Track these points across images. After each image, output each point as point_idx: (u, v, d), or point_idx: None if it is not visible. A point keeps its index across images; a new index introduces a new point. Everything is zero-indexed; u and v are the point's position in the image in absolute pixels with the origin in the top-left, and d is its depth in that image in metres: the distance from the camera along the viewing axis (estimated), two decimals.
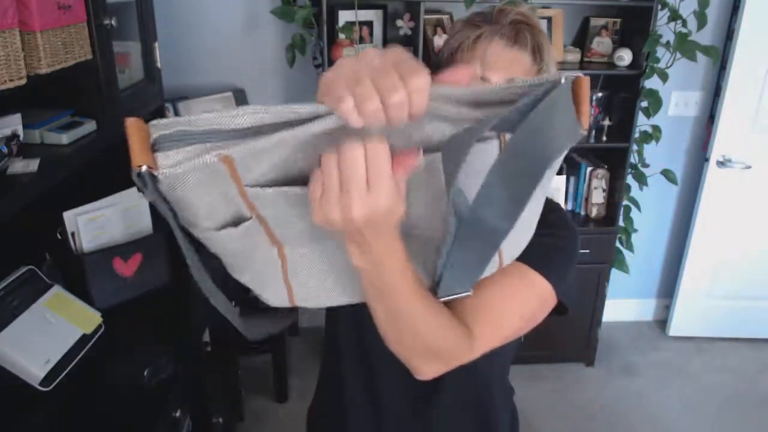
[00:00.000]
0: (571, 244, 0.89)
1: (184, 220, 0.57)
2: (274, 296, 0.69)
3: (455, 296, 0.66)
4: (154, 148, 0.50)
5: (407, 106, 0.48)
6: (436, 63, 0.92)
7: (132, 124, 0.49)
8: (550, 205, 0.86)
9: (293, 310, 0.71)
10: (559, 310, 0.87)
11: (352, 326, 0.98)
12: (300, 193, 0.55)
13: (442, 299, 0.67)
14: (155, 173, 0.50)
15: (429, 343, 0.70)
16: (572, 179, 2.68)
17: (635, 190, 2.74)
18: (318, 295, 0.69)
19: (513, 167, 0.52)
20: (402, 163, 0.51)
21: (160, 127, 0.50)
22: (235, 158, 0.50)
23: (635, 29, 2.46)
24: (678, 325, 3.02)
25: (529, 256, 0.78)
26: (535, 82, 0.50)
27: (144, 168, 0.49)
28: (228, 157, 0.50)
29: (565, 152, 0.56)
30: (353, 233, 0.55)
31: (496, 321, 0.79)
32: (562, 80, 0.50)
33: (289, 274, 0.67)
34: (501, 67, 0.85)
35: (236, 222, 0.58)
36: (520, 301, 0.81)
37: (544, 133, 0.49)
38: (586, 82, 0.50)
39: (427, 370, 0.74)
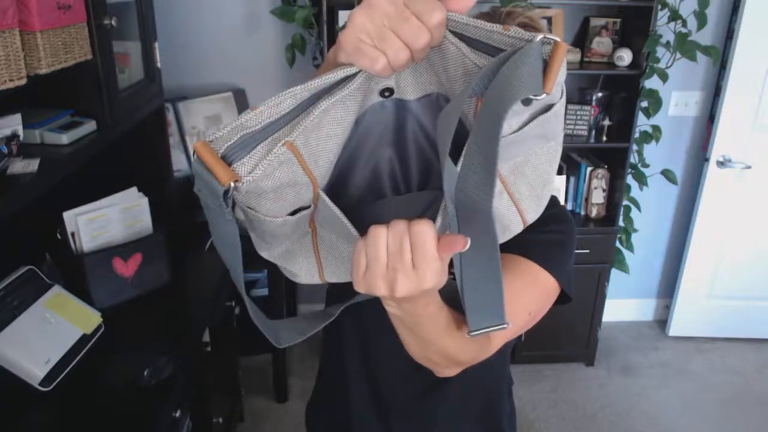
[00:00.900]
0: (570, 237, 0.91)
1: (249, 215, 0.58)
2: (304, 271, 0.67)
3: (488, 330, 0.61)
4: (226, 161, 0.50)
5: (431, 42, 0.49)
6: None
7: (201, 147, 0.50)
8: (549, 201, 0.86)
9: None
10: (562, 299, 0.89)
11: (354, 316, 0.98)
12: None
13: (474, 334, 0.61)
14: (240, 185, 0.50)
15: (454, 357, 0.70)
16: (572, 179, 2.68)
17: (635, 190, 2.74)
18: (348, 268, 0.66)
19: (482, 126, 0.50)
20: (447, 245, 0.51)
21: (223, 139, 0.50)
22: (297, 143, 0.51)
23: (635, 29, 2.46)
24: (678, 325, 3.02)
25: (532, 253, 0.82)
26: (525, 36, 0.50)
27: (232, 184, 0.50)
28: (291, 144, 0.51)
29: (518, 102, 0.51)
30: (393, 301, 0.57)
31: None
32: (536, 39, 0.49)
33: (320, 245, 0.65)
34: None
35: (296, 212, 0.59)
36: (527, 298, 0.82)
37: (508, 87, 0.48)
38: (562, 49, 0.49)
39: (448, 373, 0.75)
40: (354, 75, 0.52)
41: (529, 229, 0.72)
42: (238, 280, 0.58)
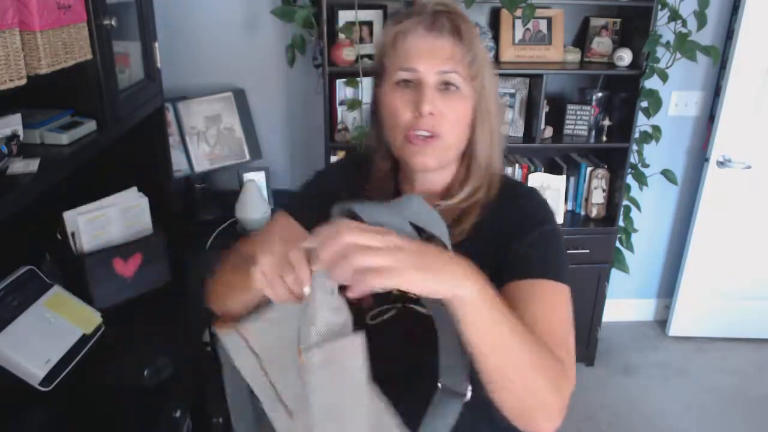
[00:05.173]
0: (561, 235, 0.93)
1: None
2: None
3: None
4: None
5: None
6: (375, 68, 0.98)
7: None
8: (535, 199, 0.94)
9: None
10: None
11: None
12: None
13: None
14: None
15: (543, 383, 0.71)
16: (572, 179, 2.68)
17: (635, 190, 2.74)
18: None
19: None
20: None
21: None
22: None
23: (635, 29, 2.46)
24: (678, 325, 3.02)
25: (551, 271, 0.85)
26: None
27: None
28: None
29: None
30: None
31: (570, 344, 0.82)
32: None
33: None
34: (423, 55, 0.88)
35: None
36: (569, 316, 0.85)
37: None
38: None
39: (547, 425, 0.74)
40: None
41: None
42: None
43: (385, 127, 0.94)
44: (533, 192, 0.97)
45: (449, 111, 0.88)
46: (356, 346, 0.65)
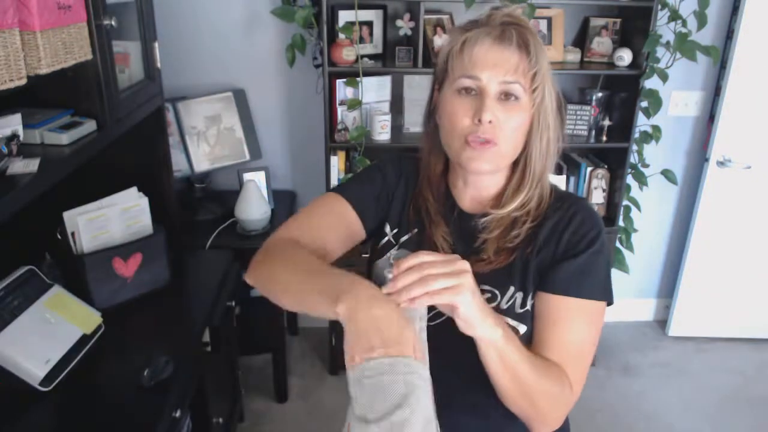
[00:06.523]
0: (606, 249, 0.98)
1: None
2: None
3: None
4: None
5: None
6: (437, 71, 0.99)
7: None
8: (588, 218, 0.95)
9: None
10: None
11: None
12: None
13: None
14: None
15: (546, 399, 0.87)
16: (572, 179, 2.68)
17: (635, 190, 2.74)
18: None
19: None
20: None
21: None
22: None
23: (635, 29, 2.46)
24: (678, 325, 3.02)
25: (593, 292, 0.93)
26: None
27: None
28: None
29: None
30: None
31: (584, 361, 0.94)
32: None
33: None
34: (488, 65, 0.89)
35: None
36: (596, 335, 0.95)
37: None
38: None
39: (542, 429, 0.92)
40: None
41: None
42: None
43: (443, 131, 0.96)
44: (585, 208, 0.99)
45: (507, 120, 0.90)
46: (398, 368, 0.68)
